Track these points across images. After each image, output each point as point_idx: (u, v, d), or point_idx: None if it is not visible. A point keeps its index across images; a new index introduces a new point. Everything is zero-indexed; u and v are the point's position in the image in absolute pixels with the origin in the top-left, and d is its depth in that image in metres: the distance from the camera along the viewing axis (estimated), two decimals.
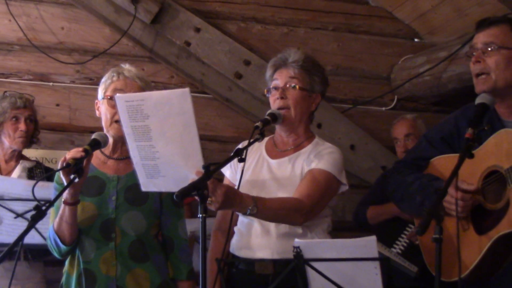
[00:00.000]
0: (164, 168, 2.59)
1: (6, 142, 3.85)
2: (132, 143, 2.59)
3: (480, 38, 2.81)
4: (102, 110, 2.96)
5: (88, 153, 2.62)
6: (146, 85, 2.99)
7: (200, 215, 2.35)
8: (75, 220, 2.77)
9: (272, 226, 2.98)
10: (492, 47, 2.76)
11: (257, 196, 2.76)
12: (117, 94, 2.61)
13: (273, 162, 3.12)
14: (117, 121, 2.84)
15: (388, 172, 3.14)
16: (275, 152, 3.16)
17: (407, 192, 2.89)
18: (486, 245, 2.62)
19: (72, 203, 2.71)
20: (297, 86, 3.06)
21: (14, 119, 3.84)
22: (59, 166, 2.58)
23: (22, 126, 3.83)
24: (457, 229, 2.50)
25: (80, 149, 2.62)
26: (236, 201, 2.64)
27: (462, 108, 3.00)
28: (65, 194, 2.67)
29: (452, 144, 2.92)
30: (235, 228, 3.15)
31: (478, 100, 2.71)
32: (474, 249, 2.65)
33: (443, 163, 2.89)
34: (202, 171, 2.42)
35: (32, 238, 3.03)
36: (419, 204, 2.82)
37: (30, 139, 3.95)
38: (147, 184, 2.68)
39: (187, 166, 2.52)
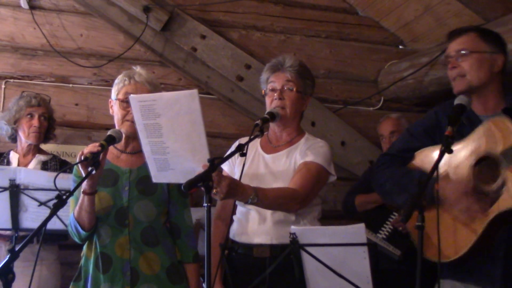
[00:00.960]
0: (173, 161, 2.59)
1: (22, 137, 3.87)
2: (144, 139, 2.60)
3: (453, 47, 2.87)
4: (115, 109, 2.97)
5: (104, 148, 2.62)
6: (154, 89, 2.98)
7: (206, 205, 2.36)
8: (93, 208, 2.77)
9: (268, 214, 2.99)
10: (465, 52, 2.82)
11: (257, 187, 2.78)
12: (131, 95, 2.61)
13: (268, 156, 3.14)
14: (128, 120, 2.87)
15: (374, 164, 3.12)
16: (269, 147, 3.17)
17: (394, 188, 2.85)
18: (485, 222, 2.59)
19: (90, 193, 2.71)
20: (294, 89, 3.08)
21: (29, 116, 3.86)
22: (77, 160, 2.59)
23: (35, 122, 3.85)
24: (437, 219, 2.50)
25: (97, 144, 2.62)
26: (238, 191, 2.65)
27: (441, 105, 3.03)
28: (84, 185, 2.67)
29: (434, 136, 2.92)
30: (234, 217, 3.15)
31: (456, 101, 2.73)
32: (471, 227, 2.62)
33: (427, 154, 2.87)
34: (208, 164, 2.43)
35: (54, 224, 3.03)
36: (404, 201, 2.76)
37: (46, 135, 3.96)
38: (158, 176, 2.68)
39: (194, 160, 2.52)
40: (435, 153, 2.81)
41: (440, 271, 2.93)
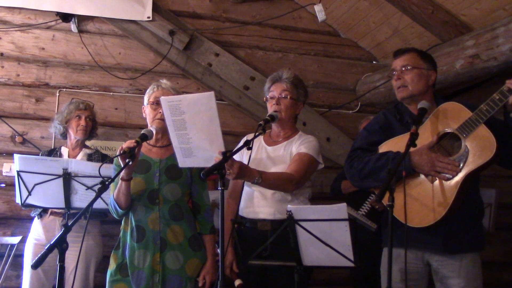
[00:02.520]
0: (195, 150, 2.62)
1: (72, 134, 3.87)
2: (172, 132, 2.61)
3: (399, 63, 2.91)
4: (147, 112, 2.99)
5: (138, 144, 2.64)
6: (177, 93, 3.00)
7: (220, 188, 2.38)
8: (128, 191, 2.78)
9: (269, 194, 2.99)
10: (408, 68, 2.86)
11: (262, 170, 2.82)
12: (162, 97, 2.65)
13: (270, 148, 3.15)
14: (158, 119, 2.89)
15: (348, 157, 3.07)
16: (270, 141, 3.19)
17: (376, 165, 2.80)
18: (458, 184, 2.59)
19: (127, 180, 2.73)
20: (288, 97, 3.09)
21: (77, 117, 3.85)
22: (117, 153, 2.61)
23: (82, 122, 3.84)
24: (404, 208, 2.49)
25: (133, 141, 2.63)
26: (246, 173, 2.70)
27: (385, 108, 3.08)
28: (122, 173, 2.68)
29: (387, 132, 2.93)
30: (242, 197, 3.15)
31: (419, 105, 2.74)
32: (447, 192, 2.61)
33: (391, 144, 2.86)
34: (221, 155, 2.45)
35: (98, 204, 3.02)
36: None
37: (90, 134, 3.97)
38: (183, 162, 2.70)
39: (212, 148, 2.55)
40: (393, 143, 2.84)
41: (385, 240, 2.94)
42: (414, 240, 2.70)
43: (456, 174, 2.60)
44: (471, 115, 2.58)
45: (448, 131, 2.67)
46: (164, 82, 3.04)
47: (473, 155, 2.57)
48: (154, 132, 2.87)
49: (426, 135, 2.73)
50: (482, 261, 2.75)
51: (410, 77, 2.85)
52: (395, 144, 2.80)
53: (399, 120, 2.93)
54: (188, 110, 2.52)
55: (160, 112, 2.87)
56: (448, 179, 2.62)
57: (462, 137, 2.60)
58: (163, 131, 2.90)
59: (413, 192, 2.70)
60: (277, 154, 3.09)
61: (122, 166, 2.61)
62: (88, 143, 4.07)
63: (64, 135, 3.94)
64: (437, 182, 2.66)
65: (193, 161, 2.66)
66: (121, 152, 2.58)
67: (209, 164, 2.40)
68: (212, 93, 2.49)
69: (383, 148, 2.89)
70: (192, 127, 2.55)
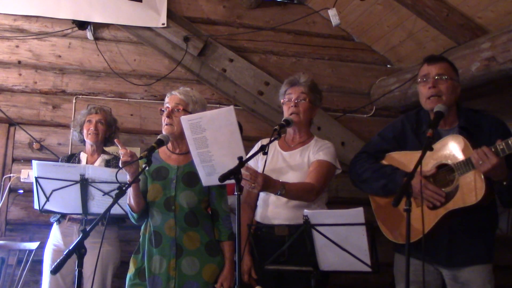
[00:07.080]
0: (218, 166, 2.59)
1: (85, 139, 3.89)
2: (194, 151, 2.60)
3: (435, 70, 2.81)
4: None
5: (155, 148, 2.68)
6: (185, 97, 2.95)
7: (236, 193, 2.36)
8: (137, 194, 2.81)
9: (285, 199, 2.97)
10: (444, 77, 2.78)
11: (284, 182, 2.80)
12: (182, 116, 2.66)
13: (286, 153, 3.13)
14: (167, 124, 2.88)
15: (354, 158, 3.09)
16: (286, 147, 3.18)
17: (372, 176, 2.86)
18: (437, 218, 2.61)
19: (133, 182, 2.74)
20: (307, 99, 3.09)
21: (88, 122, 3.87)
22: (121, 155, 2.65)
23: (92, 125, 3.84)
24: (421, 209, 2.47)
25: (127, 152, 2.66)
26: (270, 185, 2.69)
27: (405, 115, 3.02)
28: (128, 176, 2.71)
29: (400, 141, 2.92)
30: (258, 203, 3.16)
31: (436, 109, 2.71)
32: (425, 221, 2.58)
33: (398, 157, 2.87)
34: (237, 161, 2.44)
35: (115, 209, 3.03)
36: (382, 186, 2.82)
37: (105, 139, 3.96)
38: (207, 180, 2.68)
39: (235, 163, 2.48)
40: (398, 156, 2.88)
41: (396, 247, 2.96)
42: (419, 251, 2.71)
43: (440, 205, 2.61)
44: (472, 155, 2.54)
45: (447, 163, 2.66)
46: (178, 90, 3.02)
47: (460, 195, 2.57)
48: (169, 138, 2.89)
49: (428, 159, 2.71)
50: (501, 265, 2.73)
51: (445, 87, 2.77)
52: (404, 156, 2.82)
53: (415, 130, 2.89)
54: (209, 127, 2.51)
55: (167, 118, 2.89)
56: (433, 208, 2.63)
57: (457, 174, 2.60)
58: (175, 137, 2.90)
59: (395, 211, 2.70)
60: (293, 160, 3.08)
61: (128, 172, 2.67)
62: (108, 149, 4.10)
63: (83, 141, 3.97)
64: (420, 208, 2.65)
65: (217, 178, 2.61)
66: (137, 158, 2.61)
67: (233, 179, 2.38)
68: (231, 108, 2.47)
69: (392, 157, 2.91)
70: (213, 143, 2.54)
